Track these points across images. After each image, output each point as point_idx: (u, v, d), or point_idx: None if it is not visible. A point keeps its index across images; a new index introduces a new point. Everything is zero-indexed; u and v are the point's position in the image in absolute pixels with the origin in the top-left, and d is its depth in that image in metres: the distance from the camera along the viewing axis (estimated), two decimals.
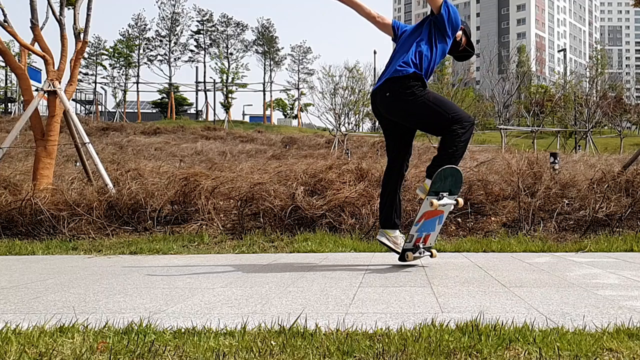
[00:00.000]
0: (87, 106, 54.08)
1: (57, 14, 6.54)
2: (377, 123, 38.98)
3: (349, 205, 5.14)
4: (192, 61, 61.31)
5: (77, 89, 30.53)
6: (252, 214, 5.22)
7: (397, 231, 3.46)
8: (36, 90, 6.66)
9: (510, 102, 41.92)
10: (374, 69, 41.75)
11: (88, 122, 31.19)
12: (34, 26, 6.35)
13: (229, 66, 60.61)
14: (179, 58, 60.70)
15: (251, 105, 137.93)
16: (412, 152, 3.51)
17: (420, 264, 3.50)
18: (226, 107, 59.00)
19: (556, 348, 1.59)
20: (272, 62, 63.03)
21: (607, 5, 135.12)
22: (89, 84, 57.86)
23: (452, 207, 3.24)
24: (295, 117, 64.16)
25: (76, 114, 11.39)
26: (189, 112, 61.62)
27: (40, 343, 1.67)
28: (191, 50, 61.44)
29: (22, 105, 31.17)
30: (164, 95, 59.69)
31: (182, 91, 62.85)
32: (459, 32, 3.35)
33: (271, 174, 6.26)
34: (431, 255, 3.39)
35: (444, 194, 3.12)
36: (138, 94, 57.79)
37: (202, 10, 62.19)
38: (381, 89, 3.20)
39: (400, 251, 3.36)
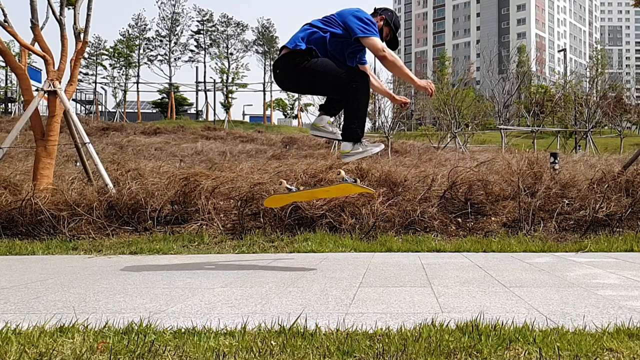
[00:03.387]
0: (87, 106, 54.06)
1: (57, 14, 6.54)
2: (377, 123, 38.99)
3: (349, 205, 5.14)
4: (192, 61, 61.32)
5: (77, 89, 30.55)
6: (252, 214, 5.22)
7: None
8: (36, 90, 6.66)
9: (510, 102, 41.94)
10: (374, 69, 41.77)
11: (88, 122, 31.19)
12: (34, 26, 6.35)
13: (229, 66, 60.62)
14: (179, 58, 60.73)
15: (251, 105, 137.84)
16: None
17: (420, 264, 3.50)
18: (226, 107, 59.00)
19: (556, 348, 1.59)
20: (272, 62, 63.00)
21: (607, 5, 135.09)
22: (89, 84, 57.88)
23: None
24: (296, 117, 64.13)
25: (76, 114, 11.39)
26: (189, 112, 61.59)
27: (40, 343, 1.67)
28: (191, 50, 61.46)
29: (22, 105, 31.15)
30: (164, 95, 59.68)
31: (182, 91, 62.89)
32: (380, 23, 3.36)
33: (271, 174, 6.26)
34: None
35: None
36: (138, 94, 57.79)
37: (202, 10, 62.24)
38: None
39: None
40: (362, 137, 3.30)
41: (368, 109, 3.44)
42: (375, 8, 3.46)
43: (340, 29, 3.22)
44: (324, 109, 3.51)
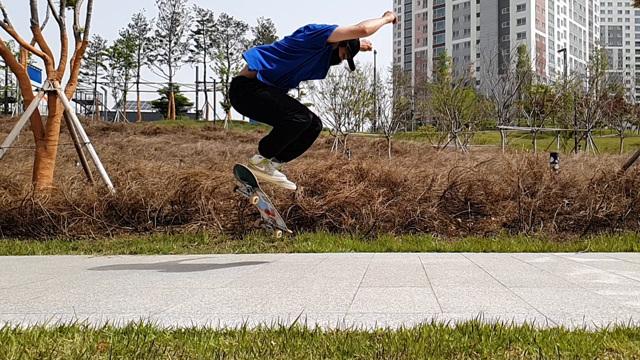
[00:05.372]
0: (87, 106, 54.03)
1: (57, 14, 6.54)
2: (377, 123, 39.03)
3: (349, 205, 5.14)
4: (192, 61, 61.35)
5: (77, 89, 30.55)
6: (252, 214, 5.22)
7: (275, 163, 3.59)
8: (36, 90, 6.65)
9: (510, 102, 41.92)
10: (374, 69, 41.77)
11: (88, 122, 31.18)
12: (34, 26, 6.35)
13: (229, 66, 60.62)
14: (179, 58, 60.75)
15: None
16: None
17: (420, 264, 3.50)
18: (226, 107, 58.96)
19: (556, 348, 1.59)
20: None
21: (607, 5, 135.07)
22: (89, 84, 57.89)
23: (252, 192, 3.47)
24: None
25: (76, 114, 11.39)
26: (189, 112, 61.56)
27: (40, 343, 1.67)
28: (191, 50, 61.49)
29: (22, 105, 31.18)
30: (164, 95, 59.67)
31: (182, 91, 62.79)
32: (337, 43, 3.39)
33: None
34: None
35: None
36: (138, 94, 57.80)
37: (202, 10, 62.29)
38: None
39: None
40: (274, 160, 3.42)
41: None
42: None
43: (303, 51, 3.27)
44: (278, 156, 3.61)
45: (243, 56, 3.37)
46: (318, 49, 3.26)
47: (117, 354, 1.58)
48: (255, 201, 3.42)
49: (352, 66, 3.54)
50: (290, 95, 3.37)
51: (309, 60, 3.33)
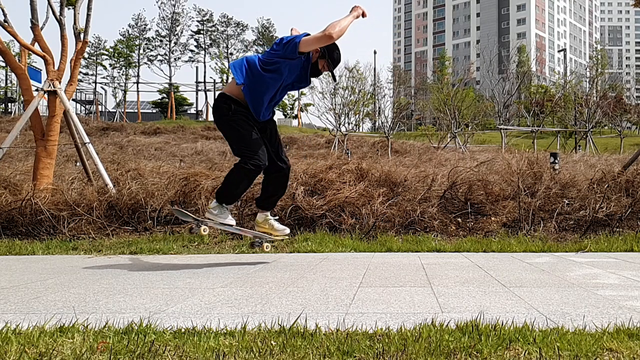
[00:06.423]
0: (87, 106, 54.05)
1: (57, 14, 6.54)
2: (377, 123, 39.02)
3: (349, 205, 5.14)
4: (192, 61, 61.34)
5: (77, 89, 30.54)
6: (252, 214, 5.22)
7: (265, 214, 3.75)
8: (36, 90, 6.65)
9: (510, 102, 41.90)
10: (374, 69, 41.78)
11: (88, 122, 31.20)
12: (34, 26, 6.35)
13: (229, 66, 60.61)
14: (179, 58, 60.72)
15: None
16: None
17: (420, 264, 3.50)
18: None
19: (556, 348, 1.59)
20: None
21: (607, 5, 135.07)
22: (89, 84, 57.89)
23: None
24: (295, 117, 64.11)
25: (76, 114, 11.39)
26: (189, 112, 61.57)
27: (40, 343, 1.67)
28: (191, 50, 61.49)
29: (22, 105, 31.14)
30: (164, 95, 59.67)
31: (182, 91, 62.85)
32: (315, 55, 3.39)
33: None
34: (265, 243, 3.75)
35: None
36: (138, 94, 57.78)
37: (202, 10, 62.30)
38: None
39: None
40: (226, 204, 3.44)
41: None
42: (307, 35, 3.46)
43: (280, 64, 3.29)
44: (258, 205, 3.74)
45: (229, 67, 3.44)
46: (294, 60, 3.26)
47: (117, 354, 1.58)
48: (204, 232, 3.44)
49: (334, 78, 3.57)
50: (257, 135, 3.37)
51: (288, 74, 3.36)
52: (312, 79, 3.62)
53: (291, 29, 3.59)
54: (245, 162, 3.28)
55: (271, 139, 3.56)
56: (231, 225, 3.48)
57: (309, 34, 3.25)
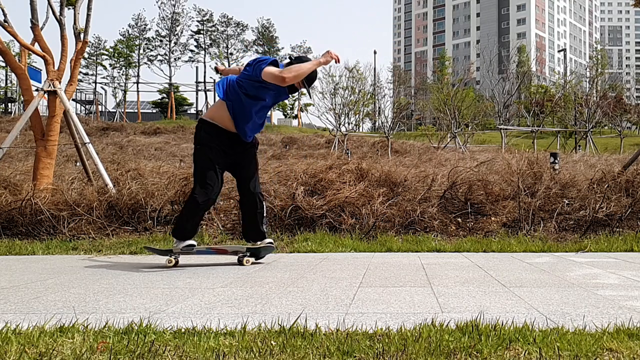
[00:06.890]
0: (87, 106, 53.99)
1: (57, 14, 6.53)
2: (377, 123, 39.00)
3: (349, 205, 5.14)
4: (192, 61, 61.26)
5: (77, 89, 30.52)
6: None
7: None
8: (36, 90, 6.65)
9: (510, 102, 41.89)
10: (374, 69, 41.77)
11: (88, 122, 31.19)
12: (34, 26, 6.35)
13: (229, 66, 60.51)
14: (179, 58, 60.61)
15: None
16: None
17: (420, 264, 3.50)
18: None
19: (556, 348, 1.59)
20: None
21: (607, 5, 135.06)
22: (89, 84, 57.83)
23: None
24: (296, 117, 64.10)
25: (76, 114, 11.39)
26: (189, 112, 61.51)
27: (40, 343, 1.67)
28: (191, 50, 61.41)
29: (22, 105, 31.14)
30: (164, 95, 59.63)
31: (182, 91, 62.74)
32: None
33: (271, 174, 6.26)
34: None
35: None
36: (138, 94, 57.73)
37: (202, 10, 62.21)
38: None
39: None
40: (181, 240, 3.54)
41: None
42: (290, 57, 3.53)
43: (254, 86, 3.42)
44: (246, 239, 3.82)
45: (215, 86, 3.55)
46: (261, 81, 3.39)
47: (117, 354, 1.58)
48: (169, 263, 3.54)
49: (309, 95, 3.65)
50: (214, 173, 3.46)
51: (266, 95, 3.49)
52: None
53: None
54: (193, 191, 3.49)
55: (249, 167, 3.66)
56: (192, 246, 3.59)
57: (276, 60, 3.42)
